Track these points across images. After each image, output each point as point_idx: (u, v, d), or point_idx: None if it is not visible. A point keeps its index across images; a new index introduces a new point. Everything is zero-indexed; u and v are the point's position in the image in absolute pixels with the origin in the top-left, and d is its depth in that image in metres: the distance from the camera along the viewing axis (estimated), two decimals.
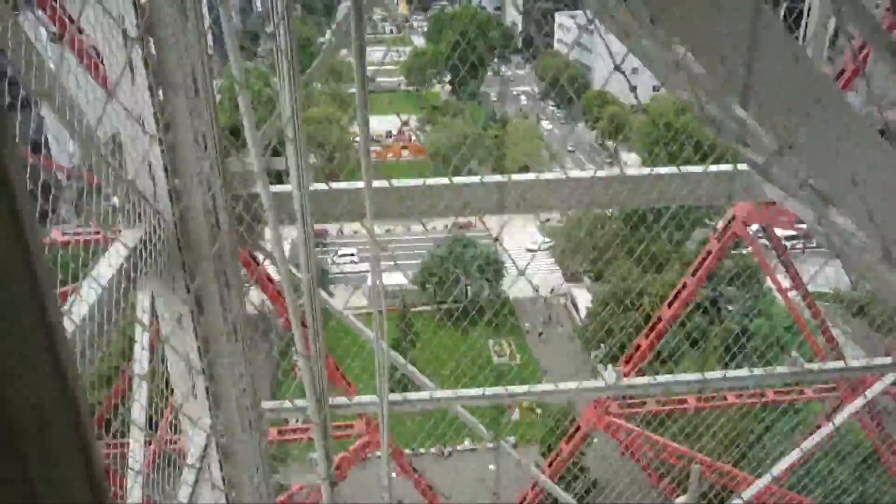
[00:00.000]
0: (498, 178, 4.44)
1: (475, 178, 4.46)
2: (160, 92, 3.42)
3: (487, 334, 36.01)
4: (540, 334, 37.26)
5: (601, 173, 4.48)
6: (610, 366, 6.18)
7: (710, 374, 5.79)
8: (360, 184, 4.07)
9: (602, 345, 28.93)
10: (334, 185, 4.45)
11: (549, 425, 24.32)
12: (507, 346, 35.95)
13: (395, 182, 4.45)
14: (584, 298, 37.63)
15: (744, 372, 5.88)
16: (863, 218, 2.20)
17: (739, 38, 1.93)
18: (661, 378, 5.96)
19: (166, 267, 3.66)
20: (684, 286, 8.84)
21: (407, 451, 11.75)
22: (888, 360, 6.23)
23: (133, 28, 3.19)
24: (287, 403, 5.26)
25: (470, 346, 30.09)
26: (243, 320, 4.19)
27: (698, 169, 4.51)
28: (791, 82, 2.06)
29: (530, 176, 4.56)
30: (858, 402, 7.21)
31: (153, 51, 3.35)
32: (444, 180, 4.44)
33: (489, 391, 5.65)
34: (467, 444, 29.05)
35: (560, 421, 19.38)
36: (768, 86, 2.02)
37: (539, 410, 28.93)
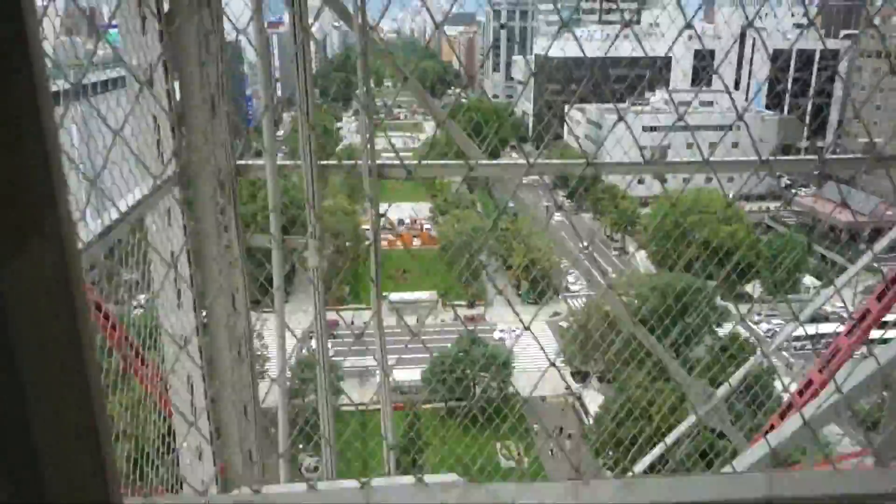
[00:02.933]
0: None
1: None
2: None
3: (493, 437, 34.10)
4: (551, 451, 35.13)
5: None
6: None
7: None
8: None
9: (610, 451, 27.21)
10: None
11: None
12: (514, 449, 34.09)
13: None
14: (593, 399, 36.52)
15: None
16: None
17: None
18: None
19: None
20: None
21: None
22: None
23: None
24: None
25: (478, 448, 28.38)
26: None
27: None
28: None
29: None
30: None
31: None
32: None
33: None
34: None
35: None
36: None
37: None
